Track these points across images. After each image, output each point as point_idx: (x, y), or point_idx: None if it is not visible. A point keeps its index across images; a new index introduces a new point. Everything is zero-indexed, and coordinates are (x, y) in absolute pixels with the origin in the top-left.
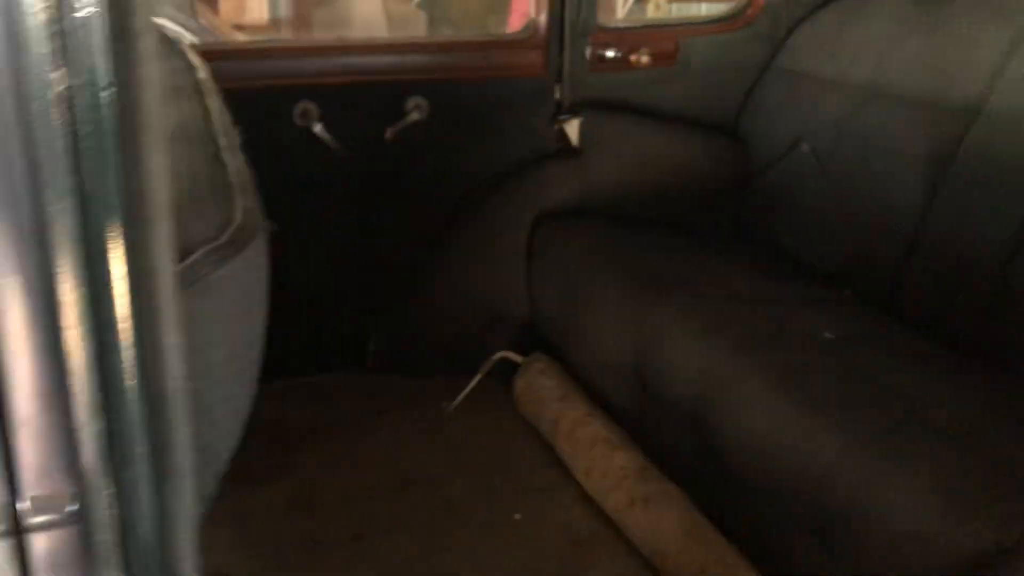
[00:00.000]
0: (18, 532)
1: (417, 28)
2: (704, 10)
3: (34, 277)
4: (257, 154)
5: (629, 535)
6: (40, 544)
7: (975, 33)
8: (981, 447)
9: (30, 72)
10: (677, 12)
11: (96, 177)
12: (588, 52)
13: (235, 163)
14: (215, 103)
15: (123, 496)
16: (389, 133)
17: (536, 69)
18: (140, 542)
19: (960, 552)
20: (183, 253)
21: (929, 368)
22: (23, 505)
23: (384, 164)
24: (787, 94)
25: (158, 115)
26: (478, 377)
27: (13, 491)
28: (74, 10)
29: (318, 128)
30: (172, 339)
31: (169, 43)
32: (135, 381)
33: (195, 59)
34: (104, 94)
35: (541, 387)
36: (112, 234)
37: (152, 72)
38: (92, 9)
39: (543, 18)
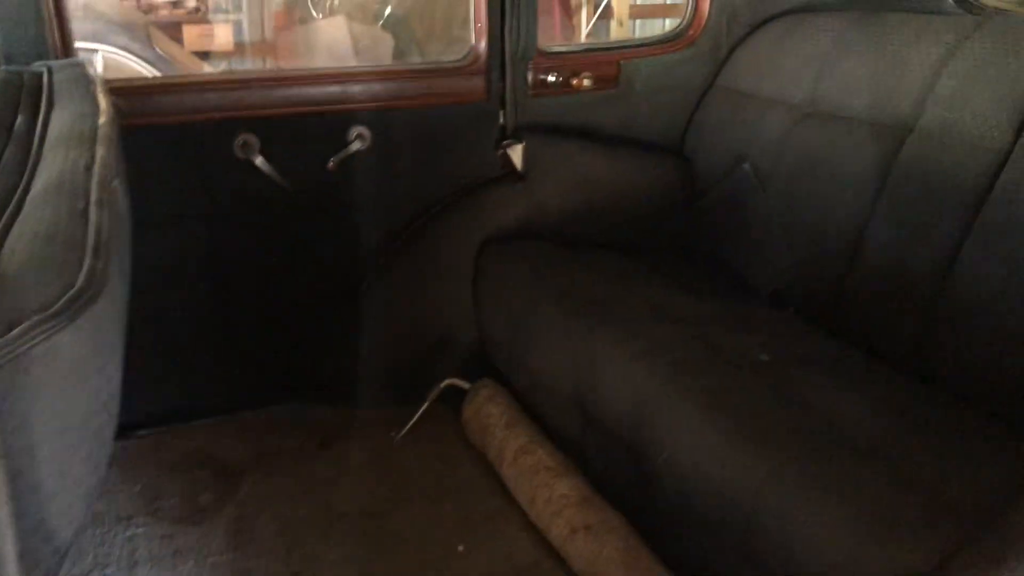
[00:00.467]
0: None
1: (385, 49)
2: (667, 25)
3: None
4: (197, 188)
5: (571, 564)
6: None
7: (906, 51)
8: (909, 470)
9: None
10: (640, 29)
11: None
12: (530, 77)
13: (100, 219)
14: (104, 152)
15: None
16: (332, 163)
17: (478, 95)
18: None
19: None
20: (8, 326)
21: (861, 389)
22: None
23: (327, 194)
24: (729, 113)
25: None
26: (425, 405)
27: None
28: None
29: (259, 160)
30: None
31: (83, 85)
32: None
33: (102, 102)
34: None
35: (488, 414)
36: None
37: None
38: None
39: (483, 44)
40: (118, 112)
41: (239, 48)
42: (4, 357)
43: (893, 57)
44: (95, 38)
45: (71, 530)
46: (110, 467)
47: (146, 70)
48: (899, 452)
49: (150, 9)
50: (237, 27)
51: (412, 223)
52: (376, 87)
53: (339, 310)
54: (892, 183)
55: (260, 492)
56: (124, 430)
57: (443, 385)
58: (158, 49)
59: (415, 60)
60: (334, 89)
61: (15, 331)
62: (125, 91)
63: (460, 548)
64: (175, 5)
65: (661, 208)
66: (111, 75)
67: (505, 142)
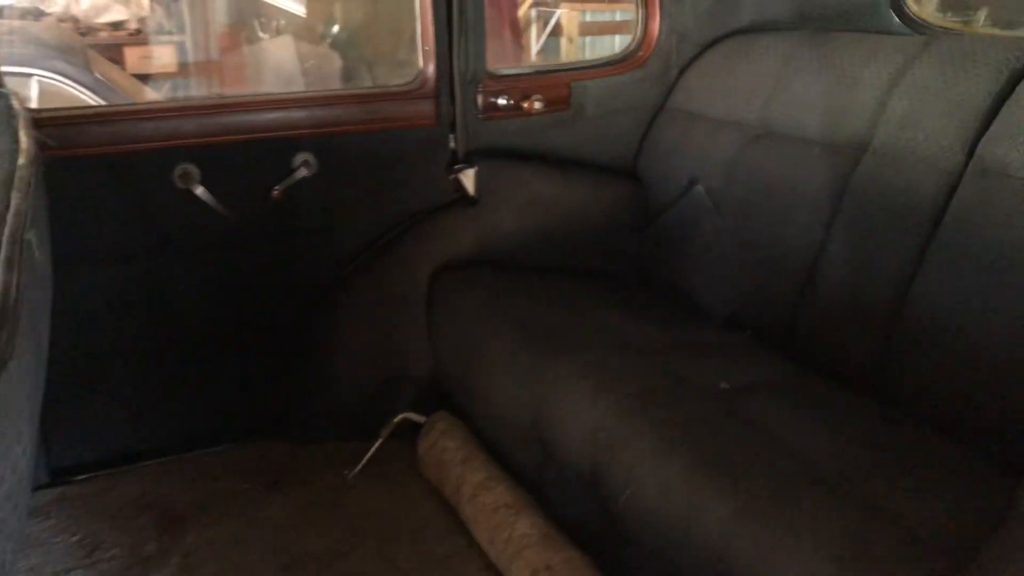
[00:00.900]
0: None
1: (332, 69)
2: (617, 43)
3: None
4: (135, 221)
5: None
6: None
7: (857, 71)
8: (878, 503)
9: None
10: (590, 46)
11: None
12: (480, 100)
13: (8, 281)
14: (20, 199)
15: None
16: (276, 192)
17: (427, 119)
18: None
19: None
20: None
21: (823, 416)
22: None
23: (272, 224)
24: (681, 135)
25: None
26: (379, 441)
27: None
28: None
29: (200, 191)
30: None
31: (3, 120)
32: None
33: (24, 139)
34: None
35: (444, 449)
36: None
37: None
38: None
39: (431, 67)
40: (44, 146)
41: (183, 70)
42: None
43: (844, 77)
44: (28, 63)
45: None
46: (39, 518)
47: (85, 96)
48: (867, 483)
49: (88, 31)
50: (181, 48)
51: (362, 252)
52: (321, 112)
53: (287, 344)
54: (847, 204)
55: (207, 539)
56: (61, 475)
57: (397, 419)
58: (97, 74)
59: (363, 81)
60: (277, 115)
61: None
62: (56, 121)
63: None
64: (115, 27)
65: (615, 232)
66: (47, 102)
67: (456, 167)
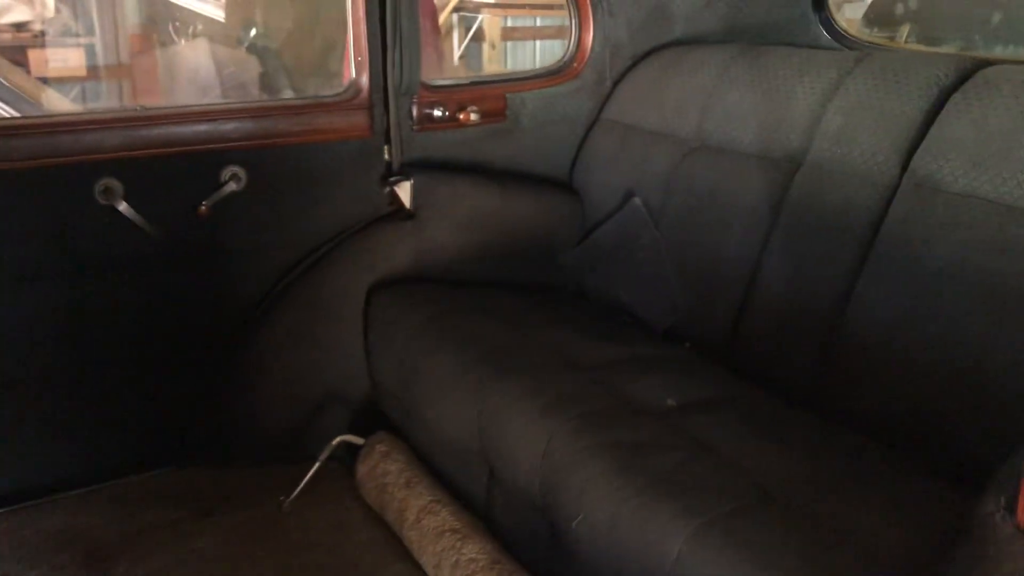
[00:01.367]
0: None
1: (251, 75)
2: (538, 48)
3: None
4: (54, 239)
5: None
6: None
7: (790, 86)
8: (832, 523)
9: None
10: (511, 51)
11: None
12: (415, 111)
13: None
14: None
15: None
16: (204, 207)
17: (361, 131)
18: None
19: None
20: None
21: (770, 433)
22: None
23: (200, 240)
24: (617, 147)
25: None
26: (316, 465)
27: None
28: None
29: (123, 207)
30: None
31: None
32: None
33: None
34: None
35: (385, 472)
36: None
37: None
38: None
39: (365, 78)
40: None
41: (92, 73)
42: None
43: (778, 91)
44: None
45: None
46: None
47: None
48: (819, 501)
49: None
50: (90, 51)
51: (294, 268)
52: (250, 124)
53: (218, 365)
54: (784, 218)
55: (136, 574)
56: None
57: (335, 442)
58: (2, 81)
59: (286, 88)
60: (204, 127)
61: None
62: None
63: None
64: (18, 28)
65: (553, 245)
66: None
67: (392, 179)
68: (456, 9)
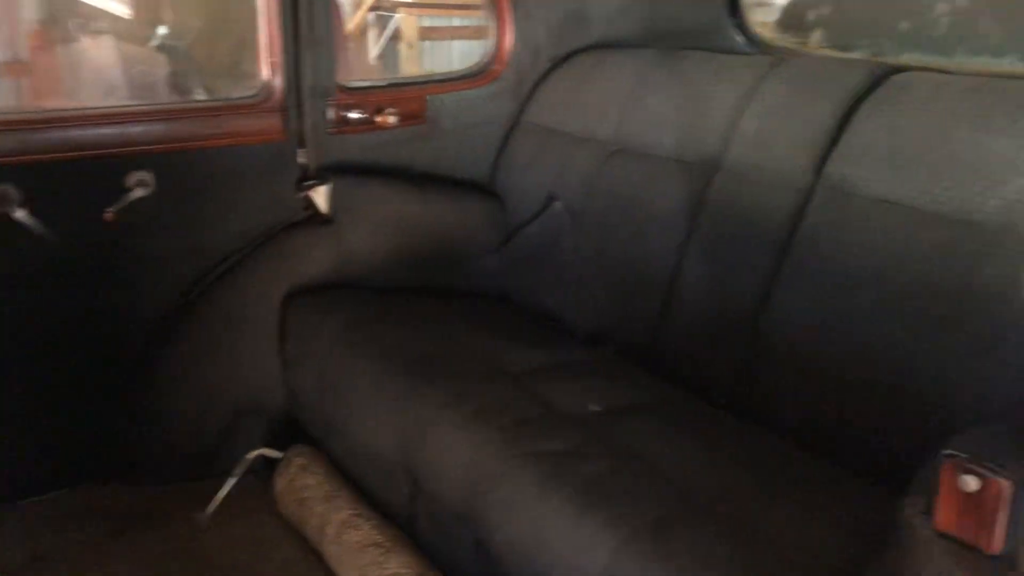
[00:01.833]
0: None
1: (160, 73)
2: (456, 49)
3: None
4: None
5: None
6: None
7: (708, 90)
8: (761, 530)
9: None
10: (429, 50)
11: None
12: (331, 114)
13: None
14: None
15: None
16: (109, 214)
17: (275, 134)
18: None
19: None
20: None
21: (694, 439)
22: None
23: (105, 249)
24: (538, 150)
25: None
26: (233, 480)
27: None
28: None
29: (20, 214)
30: None
31: None
32: None
33: None
34: None
35: (304, 486)
36: None
37: None
38: None
39: (278, 80)
40: None
41: None
42: None
43: (696, 96)
44: None
45: None
46: None
47: None
48: (745, 507)
49: None
50: None
51: (207, 276)
52: (159, 127)
53: (130, 378)
54: (703, 222)
55: None
56: None
57: (252, 456)
58: None
59: (197, 88)
60: (110, 131)
61: None
62: None
63: None
64: None
65: (475, 249)
66: None
67: (307, 183)
68: (372, 8)
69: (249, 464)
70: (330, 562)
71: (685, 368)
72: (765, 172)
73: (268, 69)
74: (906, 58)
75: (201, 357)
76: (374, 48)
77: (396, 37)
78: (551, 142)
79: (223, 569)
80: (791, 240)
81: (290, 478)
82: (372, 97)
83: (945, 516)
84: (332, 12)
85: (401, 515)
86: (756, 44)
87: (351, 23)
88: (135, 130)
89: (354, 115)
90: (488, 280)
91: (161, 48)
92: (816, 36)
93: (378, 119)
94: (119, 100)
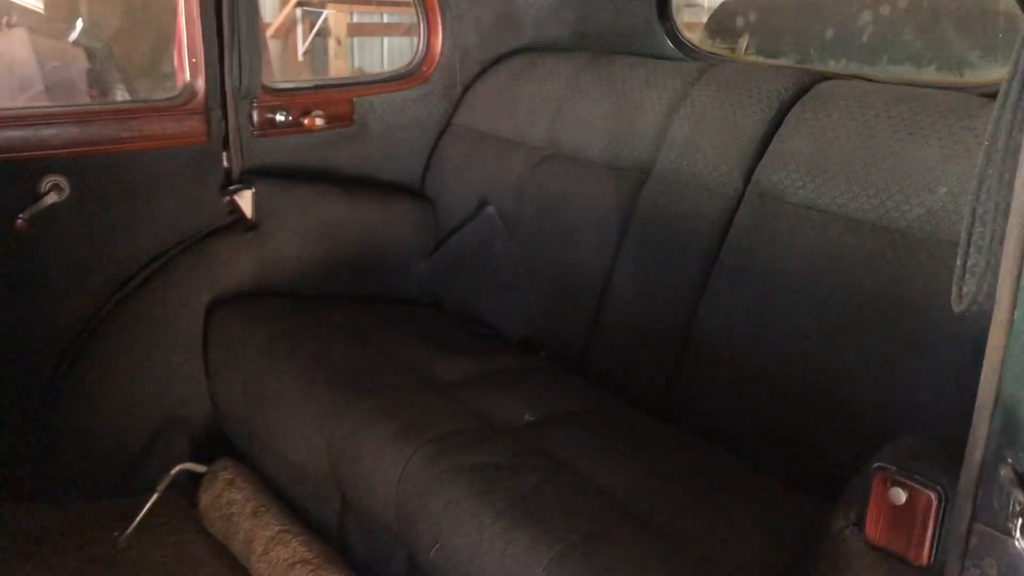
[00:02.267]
0: None
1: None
2: (386, 46)
3: None
4: None
5: None
6: None
7: (638, 96)
8: (691, 543)
9: None
10: (359, 48)
11: None
12: (255, 116)
13: None
14: None
15: None
16: (20, 220)
17: (197, 137)
18: None
19: None
20: None
21: (627, 448)
22: None
23: (16, 258)
24: (469, 153)
25: None
26: (155, 496)
27: None
28: None
29: None
30: None
31: None
32: None
33: None
34: None
35: (230, 501)
36: None
37: None
38: None
39: (200, 81)
40: None
41: None
42: None
43: (626, 101)
44: None
45: None
46: None
47: None
48: (678, 518)
49: None
50: None
51: (125, 284)
52: (74, 130)
53: (43, 391)
54: (634, 227)
55: None
56: None
57: (175, 471)
58: None
59: (117, 85)
60: (21, 133)
61: None
62: None
63: None
64: None
65: (406, 254)
66: None
67: (231, 188)
68: (299, 3)
69: (172, 479)
70: None
71: (617, 374)
72: (695, 178)
73: (190, 69)
74: (832, 66)
75: (120, 368)
76: (301, 45)
77: (324, 33)
78: (482, 146)
79: None
80: (721, 246)
81: (215, 493)
82: (298, 99)
83: (875, 528)
84: (258, 10)
85: (331, 531)
86: (685, 49)
87: (277, 19)
88: (48, 132)
89: (280, 117)
90: (418, 286)
91: (79, 44)
92: (744, 42)
93: (305, 121)
94: (31, 99)
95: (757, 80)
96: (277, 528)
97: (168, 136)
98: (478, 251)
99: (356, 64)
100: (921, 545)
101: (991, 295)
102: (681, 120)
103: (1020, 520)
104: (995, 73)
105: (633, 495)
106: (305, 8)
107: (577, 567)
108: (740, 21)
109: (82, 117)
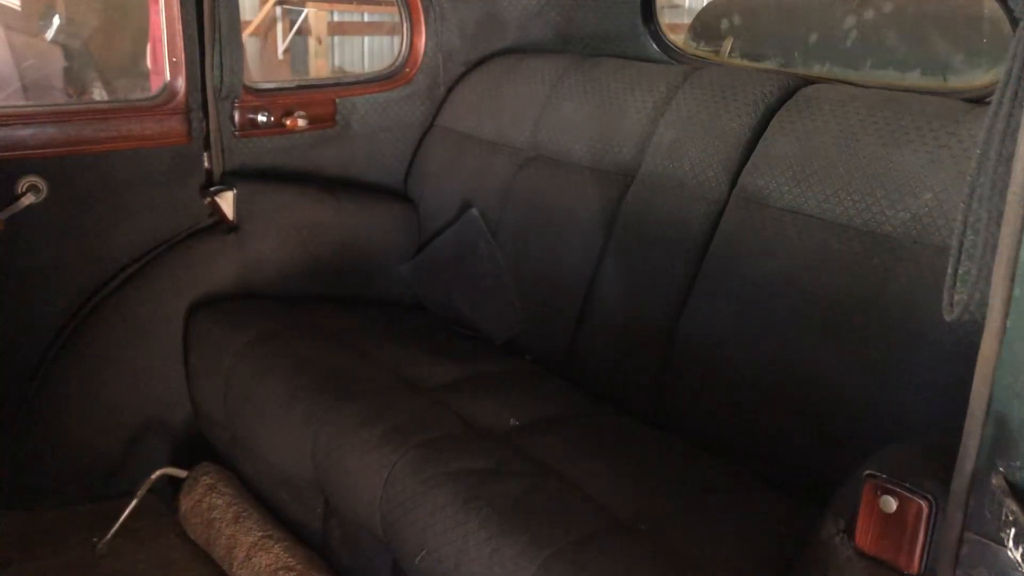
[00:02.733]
0: None
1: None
2: (367, 45)
3: None
4: None
5: None
6: None
7: (623, 99)
8: (677, 550)
9: None
10: (339, 47)
11: None
12: (237, 117)
13: None
14: None
15: None
16: None
17: (178, 137)
18: None
19: None
20: None
21: (613, 454)
22: None
23: None
24: (453, 155)
25: None
26: (135, 501)
27: None
28: None
29: None
30: None
31: None
32: None
33: None
34: None
35: (211, 506)
36: None
37: None
38: None
39: (180, 81)
40: None
41: None
42: None
43: (610, 104)
44: None
45: None
46: None
47: None
48: (664, 525)
49: None
50: None
51: (104, 287)
52: (51, 130)
53: (20, 394)
54: (619, 231)
55: None
56: None
57: (155, 475)
58: None
59: (95, 83)
60: None
61: None
62: None
63: None
64: None
65: (389, 256)
66: None
67: (212, 189)
68: (280, 2)
69: (152, 484)
70: None
71: (602, 378)
72: (679, 182)
73: (170, 69)
74: (816, 70)
75: (100, 371)
76: (281, 43)
77: (304, 32)
78: (466, 148)
79: None
80: (706, 250)
81: (196, 498)
82: (280, 99)
83: (866, 536)
84: (239, 8)
85: (314, 536)
86: (669, 52)
87: (256, 17)
88: (25, 132)
89: (261, 117)
90: (401, 289)
91: (55, 42)
92: (728, 45)
93: (287, 122)
94: (6, 99)
95: (743, 83)
96: (259, 534)
97: (148, 136)
98: (461, 253)
99: (336, 63)
100: (912, 553)
101: (983, 303)
102: (666, 123)
103: (1012, 530)
104: (980, 78)
105: (620, 500)
106: (285, 6)
107: (565, 575)
108: (724, 24)
109: (60, 117)
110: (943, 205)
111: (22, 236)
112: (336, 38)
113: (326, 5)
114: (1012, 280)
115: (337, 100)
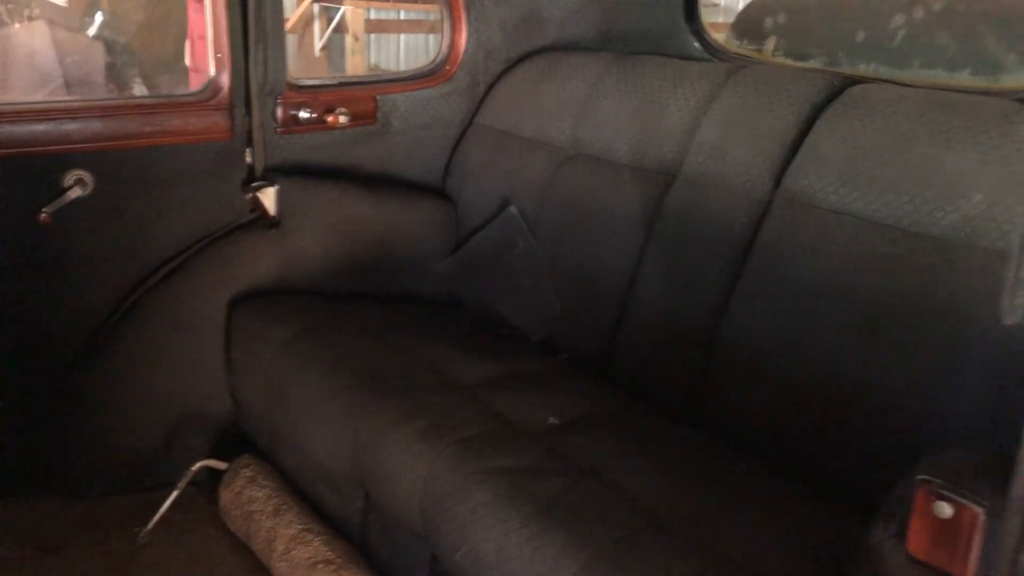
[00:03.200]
0: None
1: (97, 63)
2: (403, 43)
3: None
4: None
5: None
6: None
7: (664, 97)
8: (719, 551)
9: None
10: (375, 44)
11: None
12: (279, 113)
13: None
14: None
15: None
16: (44, 214)
17: (221, 132)
18: None
19: None
20: None
21: (653, 454)
22: None
23: (40, 251)
24: (492, 153)
25: None
26: (175, 493)
27: None
28: None
29: None
30: None
31: None
32: None
33: None
34: None
35: (251, 499)
36: None
37: None
38: None
39: (225, 76)
40: None
41: None
42: None
43: (652, 102)
44: None
45: None
46: None
47: None
48: (705, 526)
49: None
50: None
51: (147, 280)
52: (98, 124)
53: (65, 386)
54: (659, 230)
55: None
56: None
57: (196, 467)
58: None
59: (136, 80)
60: (44, 127)
61: None
62: None
63: None
64: None
65: (427, 253)
66: None
67: (254, 184)
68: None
69: (192, 476)
70: None
71: (641, 378)
72: (722, 182)
73: (215, 65)
74: (862, 69)
75: (141, 364)
76: (318, 41)
77: (342, 29)
78: (505, 145)
79: None
80: (749, 250)
81: (236, 491)
82: (322, 96)
83: (918, 542)
84: (283, 6)
85: (353, 530)
86: (711, 50)
87: (294, 14)
88: (71, 127)
89: (303, 114)
90: (439, 286)
91: (100, 37)
92: (771, 44)
93: (328, 119)
94: (51, 94)
95: (787, 83)
96: (299, 527)
97: (192, 132)
98: (499, 251)
99: (372, 60)
100: (965, 561)
101: None
102: (709, 122)
103: None
104: None
105: (659, 501)
106: (322, 3)
107: (606, 574)
108: (768, 22)
109: (105, 112)
110: (994, 207)
111: (69, 229)
112: (372, 36)
113: (363, 3)
114: None
115: (378, 97)
